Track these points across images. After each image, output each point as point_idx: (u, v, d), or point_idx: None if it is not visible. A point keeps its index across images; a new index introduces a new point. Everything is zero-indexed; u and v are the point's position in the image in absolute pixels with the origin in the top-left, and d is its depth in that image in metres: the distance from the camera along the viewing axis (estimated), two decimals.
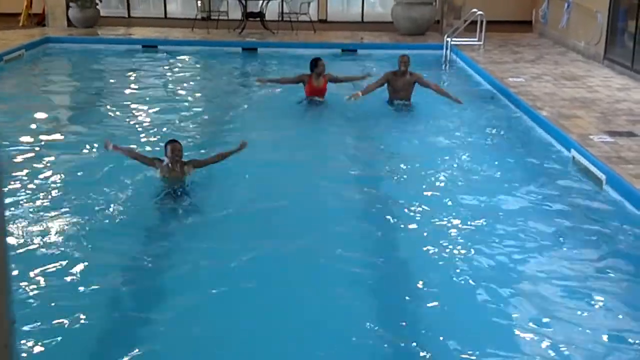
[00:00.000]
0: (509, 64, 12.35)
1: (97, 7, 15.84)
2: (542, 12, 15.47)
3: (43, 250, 5.21)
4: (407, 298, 4.73)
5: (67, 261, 5.03)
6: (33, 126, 8.64)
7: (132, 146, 7.21)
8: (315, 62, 9.46)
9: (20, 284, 4.63)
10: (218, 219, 5.89)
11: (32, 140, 7.93)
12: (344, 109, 9.37)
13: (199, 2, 15.92)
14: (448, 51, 13.48)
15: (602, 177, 6.57)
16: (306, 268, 5.09)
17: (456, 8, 15.63)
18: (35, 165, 7.07)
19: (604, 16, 12.14)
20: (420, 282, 4.91)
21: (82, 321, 4.32)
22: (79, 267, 4.97)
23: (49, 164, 7.15)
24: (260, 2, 15.92)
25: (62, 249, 5.24)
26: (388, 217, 6.05)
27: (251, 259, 5.13)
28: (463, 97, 9.58)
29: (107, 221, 5.75)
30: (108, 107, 9.82)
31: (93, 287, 4.75)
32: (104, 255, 5.22)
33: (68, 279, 4.82)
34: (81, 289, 4.71)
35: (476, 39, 13.85)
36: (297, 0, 16.13)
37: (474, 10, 13.78)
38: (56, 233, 5.48)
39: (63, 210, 5.94)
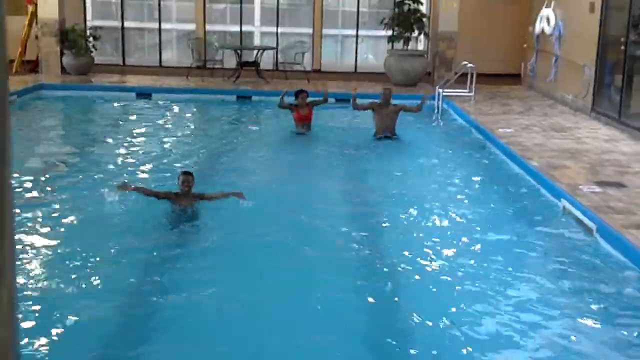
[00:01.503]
0: (498, 115, 12.53)
1: (92, 54, 15.96)
2: (530, 65, 15.78)
3: (48, 276, 5.40)
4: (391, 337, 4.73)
5: (71, 290, 5.19)
6: (25, 172, 8.62)
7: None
8: (296, 94, 10.80)
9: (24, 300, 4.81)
10: (219, 242, 6.33)
11: (24, 185, 7.92)
12: (332, 144, 10.60)
13: (194, 50, 16.14)
14: (440, 102, 13.68)
15: (592, 226, 6.61)
16: (299, 289, 5.38)
17: (447, 61, 15.93)
18: (29, 210, 7.04)
19: (591, 70, 12.39)
20: (409, 320, 4.93)
21: (83, 340, 4.48)
22: (83, 290, 5.20)
23: (41, 209, 7.13)
24: (255, 51, 16.17)
25: (68, 275, 5.42)
26: (374, 257, 6.24)
27: (247, 280, 5.55)
28: (454, 146, 10.25)
29: (113, 246, 6.05)
30: (101, 154, 9.85)
31: (97, 306, 4.95)
32: (110, 278, 5.47)
33: (72, 300, 5.00)
34: (84, 307, 4.91)
35: (467, 91, 14.07)
36: (292, 50, 16.40)
37: (465, 62, 14.04)
38: (59, 263, 5.68)
39: (61, 252, 6.01)
